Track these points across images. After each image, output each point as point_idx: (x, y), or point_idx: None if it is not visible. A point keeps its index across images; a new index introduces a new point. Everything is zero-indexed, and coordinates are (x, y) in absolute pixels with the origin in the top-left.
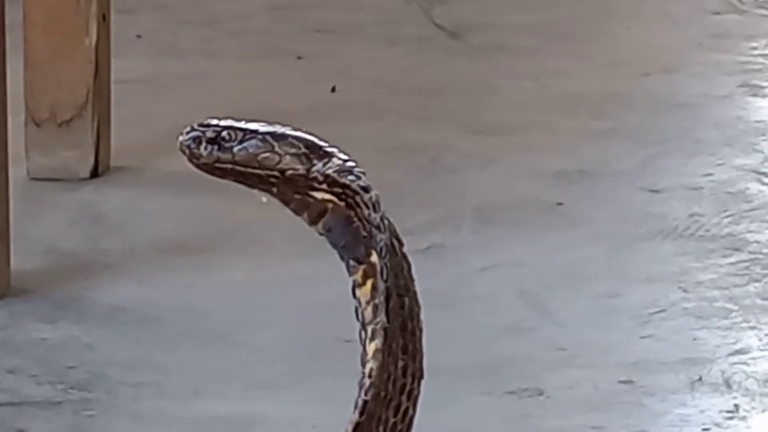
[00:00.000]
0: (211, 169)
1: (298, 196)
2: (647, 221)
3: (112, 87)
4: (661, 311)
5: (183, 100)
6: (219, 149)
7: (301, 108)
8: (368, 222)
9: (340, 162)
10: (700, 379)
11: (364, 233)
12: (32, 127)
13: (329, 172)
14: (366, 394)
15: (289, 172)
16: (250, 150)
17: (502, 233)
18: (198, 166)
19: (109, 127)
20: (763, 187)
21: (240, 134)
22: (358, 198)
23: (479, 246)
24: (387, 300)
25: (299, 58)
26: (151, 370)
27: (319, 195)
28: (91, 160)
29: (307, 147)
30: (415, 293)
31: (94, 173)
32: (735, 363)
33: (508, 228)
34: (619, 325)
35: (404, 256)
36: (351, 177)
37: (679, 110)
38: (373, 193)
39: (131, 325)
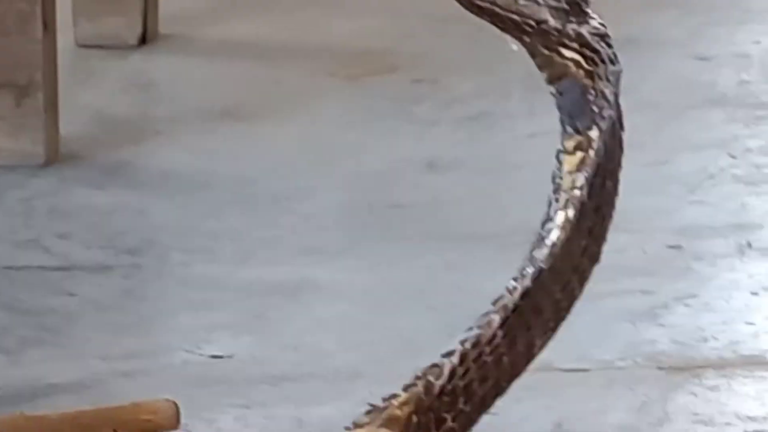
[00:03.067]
0: (470, 5)
1: (546, 51)
2: (696, 89)
3: None
4: (710, 177)
5: None
6: None
7: None
8: (602, 95)
9: (596, 25)
10: (749, 244)
11: (594, 107)
12: None
13: (583, 31)
14: (545, 263)
15: (545, 23)
16: None
17: (551, 100)
18: (458, 1)
19: None
20: None
21: None
22: (601, 69)
23: (528, 113)
24: (594, 177)
25: None
26: (201, 236)
27: (567, 53)
28: (139, 27)
29: (568, 3)
30: (617, 180)
31: (142, 40)
32: None
33: None
34: (668, 191)
35: (620, 141)
36: (603, 44)
37: None
38: (618, 66)
39: (181, 191)
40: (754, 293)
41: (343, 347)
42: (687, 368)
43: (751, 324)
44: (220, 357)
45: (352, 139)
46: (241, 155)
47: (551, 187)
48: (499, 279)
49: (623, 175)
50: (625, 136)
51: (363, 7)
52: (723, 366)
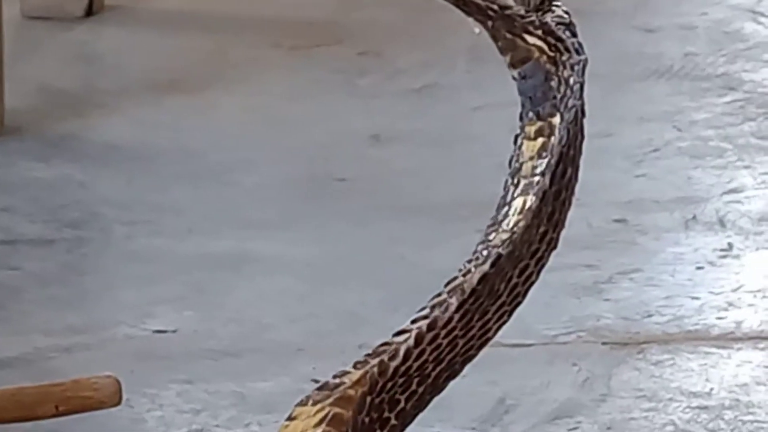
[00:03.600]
0: None
1: (509, 36)
2: (642, 61)
3: None
4: (655, 150)
5: None
6: None
7: None
8: (566, 84)
9: (561, 14)
10: (694, 217)
11: (557, 94)
12: None
13: (548, 19)
14: (502, 248)
15: (509, 9)
16: None
17: (496, 73)
18: None
19: None
20: (758, 27)
21: None
22: (565, 57)
23: (473, 85)
24: (557, 164)
25: None
26: (145, 209)
27: (531, 39)
28: None
29: None
30: (578, 167)
31: (89, 12)
32: (729, 201)
33: (501, 66)
34: (613, 164)
35: (582, 128)
36: (568, 33)
37: None
38: (583, 57)
39: (125, 164)
40: (700, 267)
41: (285, 321)
42: (631, 343)
43: (695, 298)
44: (163, 332)
45: (296, 111)
46: (186, 127)
47: (508, 171)
48: (443, 252)
49: None
50: None
51: None
52: (667, 341)
